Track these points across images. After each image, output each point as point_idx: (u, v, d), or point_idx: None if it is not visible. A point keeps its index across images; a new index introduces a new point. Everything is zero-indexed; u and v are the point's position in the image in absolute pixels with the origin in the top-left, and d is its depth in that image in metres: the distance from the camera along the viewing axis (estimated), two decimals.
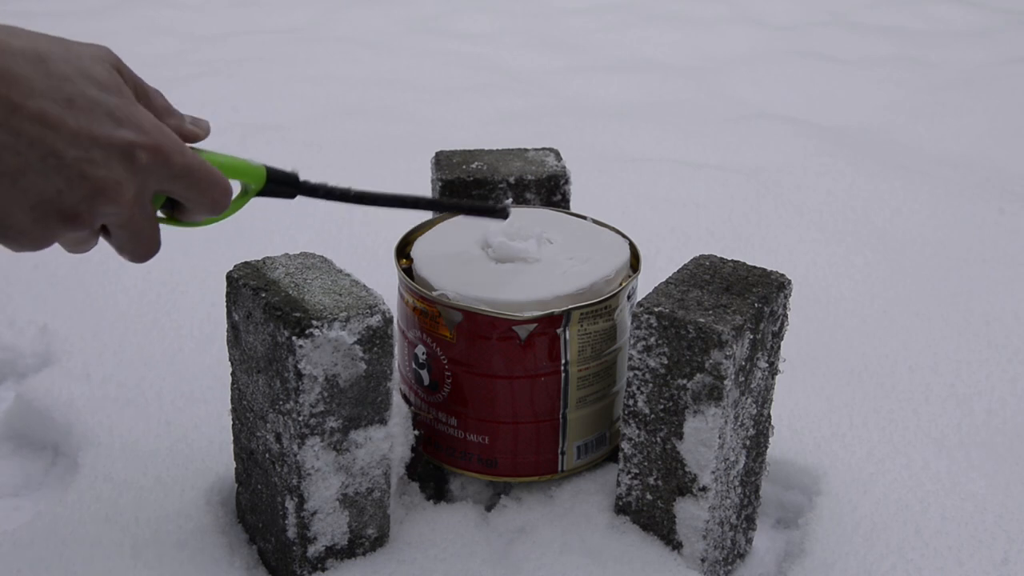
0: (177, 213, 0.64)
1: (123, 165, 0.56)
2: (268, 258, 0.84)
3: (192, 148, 0.63)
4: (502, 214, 0.86)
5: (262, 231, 1.44)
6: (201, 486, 0.94)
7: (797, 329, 1.22)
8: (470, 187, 1.04)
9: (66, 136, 0.54)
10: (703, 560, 0.84)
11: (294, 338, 0.73)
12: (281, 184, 0.70)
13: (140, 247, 0.61)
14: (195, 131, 0.65)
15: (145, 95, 0.61)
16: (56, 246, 0.60)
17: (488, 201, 1.04)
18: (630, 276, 0.90)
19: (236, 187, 0.68)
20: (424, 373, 0.89)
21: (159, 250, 0.63)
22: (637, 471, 0.85)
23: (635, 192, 1.63)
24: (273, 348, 0.76)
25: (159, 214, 0.63)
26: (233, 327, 0.82)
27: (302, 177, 0.71)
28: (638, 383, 0.82)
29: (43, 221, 0.56)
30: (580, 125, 2.00)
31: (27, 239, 0.56)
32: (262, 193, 0.69)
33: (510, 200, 1.05)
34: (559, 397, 0.87)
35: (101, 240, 0.63)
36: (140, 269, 1.33)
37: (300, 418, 0.76)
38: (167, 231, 0.64)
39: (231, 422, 0.88)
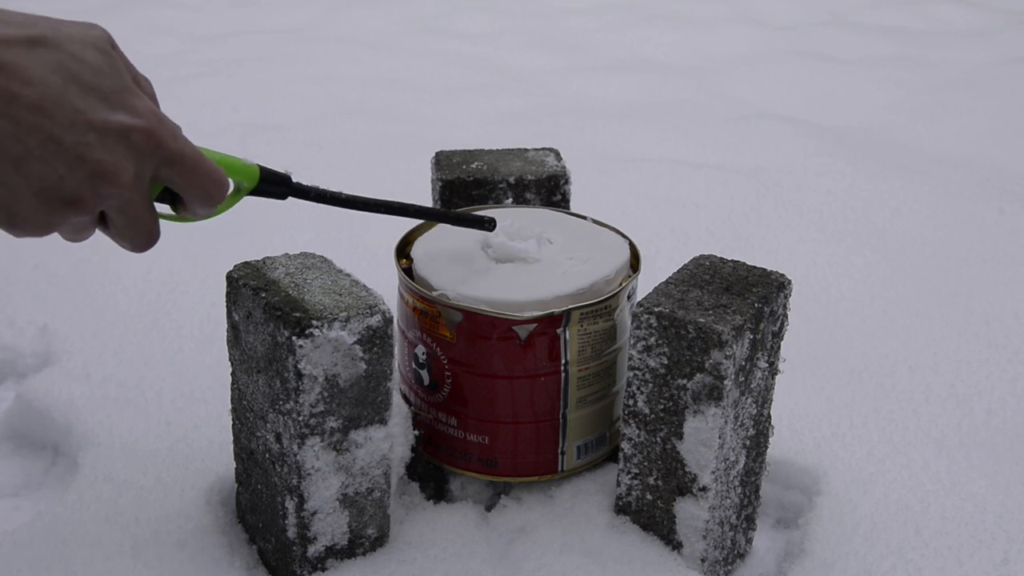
0: (174, 206, 0.65)
1: (120, 148, 0.57)
2: (268, 258, 0.84)
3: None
4: (489, 226, 0.88)
5: (262, 231, 1.44)
6: (201, 486, 0.94)
7: (797, 329, 1.22)
8: (470, 187, 1.04)
9: (63, 122, 0.55)
10: (703, 560, 0.84)
11: (294, 338, 0.73)
12: (273, 184, 0.71)
13: (139, 235, 0.61)
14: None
15: (136, 81, 0.61)
16: (54, 243, 0.61)
17: (488, 202, 1.04)
18: (630, 276, 0.90)
19: (230, 185, 0.68)
20: (424, 373, 0.89)
21: (158, 240, 0.63)
22: (637, 471, 0.85)
23: (635, 192, 1.63)
24: (273, 348, 0.76)
25: (158, 208, 0.63)
26: (233, 327, 0.82)
27: (295, 179, 0.72)
28: (638, 383, 0.82)
29: (47, 206, 0.56)
30: (580, 125, 2.00)
31: (32, 225, 0.57)
32: (254, 192, 0.70)
33: (510, 200, 1.05)
34: (559, 397, 0.87)
35: (103, 237, 0.63)
36: (140, 269, 1.33)
37: (300, 418, 0.76)
38: (167, 227, 0.64)
39: (231, 422, 0.88)
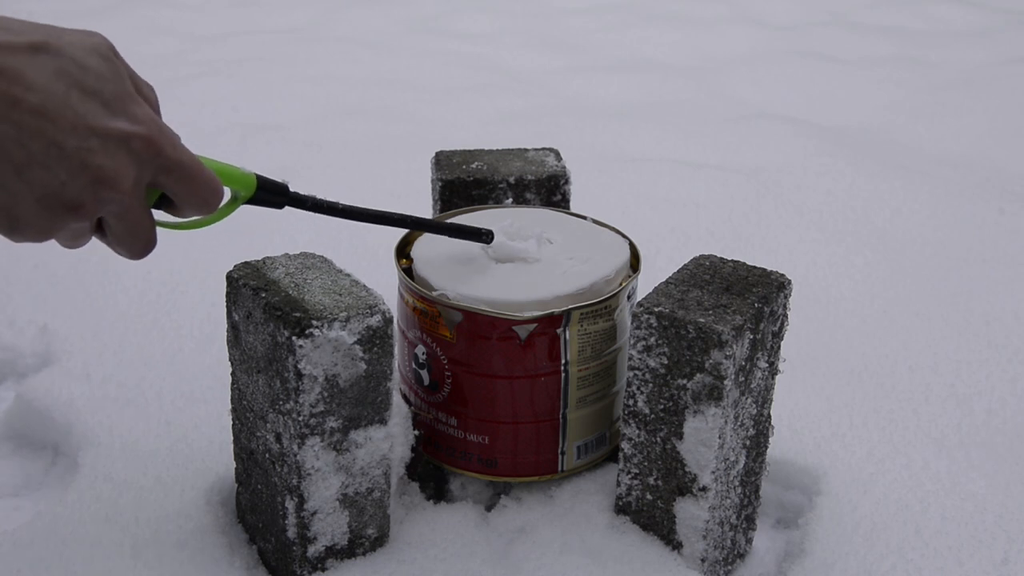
0: (169, 210, 0.65)
1: (120, 154, 0.57)
2: (268, 258, 0.84)
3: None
4: (487, 238, 0.88)
5: (262, 231, 1.44)
6: (201, 486, 0.94)
7: (797, 329, 1.22)
8: (470, 187, 1.04)
9: (65, 127, 0.55)
10: (703, 560, 0.84)
11: (294, 338, 0.73)
12: (270, 193, 0.71)
13: (137, 241, 0.62)
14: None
15: (138, 88, 0.61)
16: (54, 244, 0.61)
17: (488, 202, 1.04)
18: (630, 276, 0.90)
19: (226, 194, 0.69)
20: (424, 373, 0.89)
21: (155, 247, 0.63)
22: (637, 471, 0.85)
23: (635, 192, 1.63)
24: (273, 348, 0.76)
25: (155, 216, 0.64)
26: (233, 327, 0.82)
27: (292, 188, 0.72)
28: (638, 383, 0.82)
29: (49, 212, 0.56)
30: (580, 125, 2.00)
31: (33, 230, 0.57)
32: (251, 201, 0.70)
33: (510, 200, 1.05)
34: (559, 397, 0.87)
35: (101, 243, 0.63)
36: (140, 269, 1.33)
37: (300, 418, 0.76)
38: (162, 233, 0.65)
39: (231, 422, 0.88)
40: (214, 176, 0.63)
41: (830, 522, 0.94)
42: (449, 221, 0.88)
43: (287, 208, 0.73)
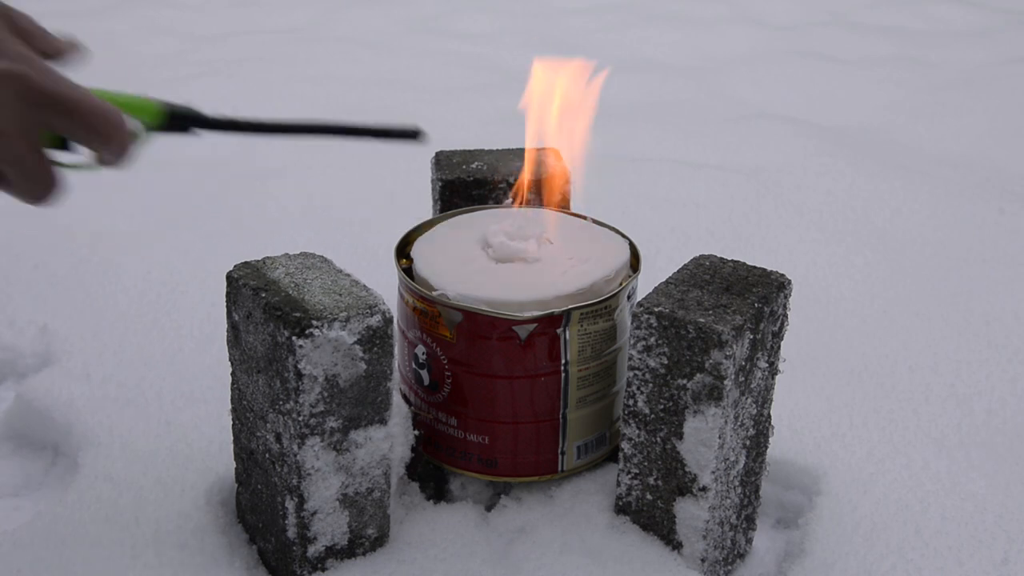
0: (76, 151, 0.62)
1: None
2: (268, 258, 0.84)
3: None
4: (412, 135, 0.82)
5: (262, 231, 1.44)
6: (201, 486, 0.94)
7: (797, 329, 1.22)
8: (470, 187, 1.04)
9: None
10: (703, 560, 0.84)
11: (294, 338, 0.73)
12: (179, 119, 0.67)
13: (36, 186, 0.59)
14: (59, 46, 0.63)
15: (9, 20, 0.58)
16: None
17: (488, 202, 1.04)
18: (630, 276, 0.90)
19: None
20: (424, 373, 0.89)
21: (60, 190, 0.60)
22: (637, 471, 0.85)
23: (635, 192, 1.63)
24: (273, 348, 0.76)
25: (65, 158, 0.61)
26: (233, 327, 0.82)
27: (202, 112, 0.69)
28: (638, 383, 0.82)
29: None
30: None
31: None
32: (160, 129, 0.67)
33: (510, 200, 1.05)
34: (559, 397, 0.87)
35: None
36: (140, 269, 1.33)
37: (300, 418, 0.76)
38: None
39: (231, 422, 0.88)
40: (109, 107, 0.60)
41: (830, 522, 0.94)
42: (368, 125, 0.81)
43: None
